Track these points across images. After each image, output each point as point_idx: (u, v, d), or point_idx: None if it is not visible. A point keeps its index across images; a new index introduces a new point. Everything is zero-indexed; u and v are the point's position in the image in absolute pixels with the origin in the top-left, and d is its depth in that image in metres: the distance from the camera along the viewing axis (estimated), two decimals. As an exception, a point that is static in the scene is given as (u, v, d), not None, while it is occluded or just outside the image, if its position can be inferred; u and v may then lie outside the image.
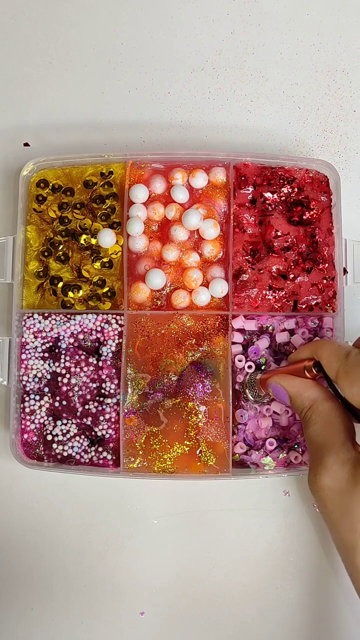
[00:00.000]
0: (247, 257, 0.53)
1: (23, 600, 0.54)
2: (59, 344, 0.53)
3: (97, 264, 0.54)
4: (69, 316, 0.53)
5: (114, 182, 0.55)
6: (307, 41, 0.59)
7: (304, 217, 0.54)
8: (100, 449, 0.52)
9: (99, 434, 0.52)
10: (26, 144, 0.59)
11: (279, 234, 0.53)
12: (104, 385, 0.52)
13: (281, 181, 0.54)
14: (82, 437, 0.53)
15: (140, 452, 0.52)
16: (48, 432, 0.52)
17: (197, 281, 0.53)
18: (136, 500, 0.54)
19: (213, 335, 0.53)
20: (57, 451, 0.52)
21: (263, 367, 0.52)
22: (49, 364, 0.53)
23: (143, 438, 0.52)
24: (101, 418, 0.52)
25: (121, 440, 0.51)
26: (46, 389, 0.53)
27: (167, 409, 0.52)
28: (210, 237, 0.53)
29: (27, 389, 0.53)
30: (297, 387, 0.46)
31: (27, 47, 0.60)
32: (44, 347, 0.53)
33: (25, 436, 0.53)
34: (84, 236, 0.54)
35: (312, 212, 0.53)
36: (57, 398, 0.53)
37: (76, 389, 0.52)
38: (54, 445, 0.52)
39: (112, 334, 0.53)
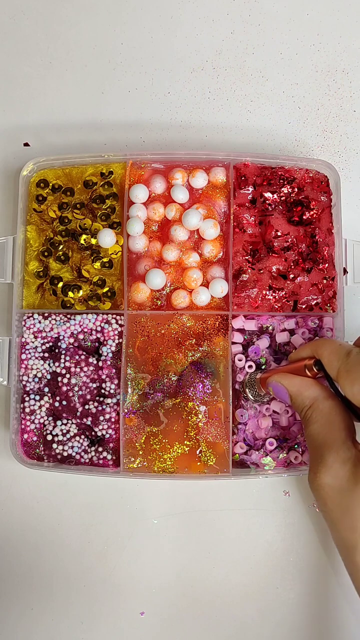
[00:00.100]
0: (247, 257, 0.53)
1: (23, 600, 0.54)
2: (59, 344, 0.53)
3: (97, 264, 0.54)
4: (69, 316, 0.53)
5: (114, 182, 0.55)
6: (307, 41, 0.59)
7: (304, 217, 0.54)
8: (100, 449, 0.52)
9: (99, 434, 0.52)
10: (26, 144, 0.59)
11: (279, 234, 0.53)
12: (104, 385, 0.52)
13: (281, 181, 0.54)
14: (82, 437, 0.53)
15: (140, 452, 0.52)
16: (48, 432, 0.52)
17: (197, 281, 0.53)
18: (136, 500, 0.54)
19: (213, 335, 0.53)
20: (57, 451, 0.52)
21: (263, 367, 0.52)
22: (49, 364, 0.53)
23: (143, 438, 0.52)
24: (101, 418, 0.52)
25: (121, 440, 0.51)
26: (46, 389, 0.53)
27: (167, 409, 0.52)
28: (210, 237, 0.53)
29: (27, 389, 0.53)
30: (297, 385, 0.46)
31: (27, 47, 0.60)
32: (44, 347, 0.53)
33: (25, 436, 0.53)
34: (84, 236, 0.54)
35: (312, 212, 0.53)
36: (57, 398, 0.53)
37: (76, 389, 0.52)
38: (54, 445, 0.52)
39: (112, 334, 0.53)
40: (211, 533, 0.54)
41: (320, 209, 0.53)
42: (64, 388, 0.52)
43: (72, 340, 0.53)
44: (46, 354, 0.53)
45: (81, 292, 0.54)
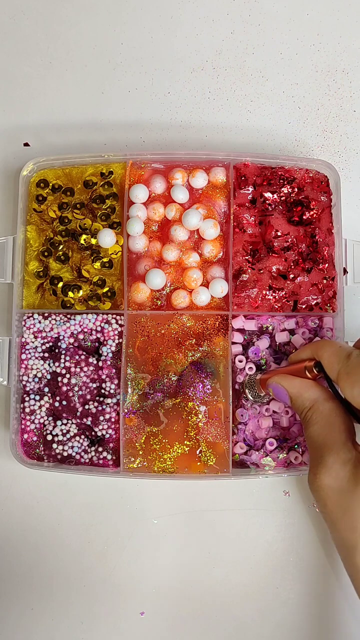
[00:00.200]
0: (247, 257, 0.53)
1: (23, 600, 0.54)
2: (59, 344, 0.53)
3: (97, 264, 0.54)
4: (69, 316, 0.53)
5: (114, 182, 0.55)
6: (307, 41, 0.59)
7: (304, 217, 0.54)
8: (100, 449, 0.52)
9: (99, 434, 0.52)
10: (26, 144, 0.59)
11: (279, 234, 0.53)
12: (104, 385, 0.52)
13: (281, 181, 0.54)
14: (82, 437, 0.53)
15: (140, 452, 0.52)
16: (48, 432, 0.52)
17: (197, 281, 0.53)
18: (136, 500, 0.54)
19: (213, 335, 0.53)
20: (57, 451, 0.52)
21: (263, 367, 0.52)
22: (49, 364, 0.53)
23: (143, 438, 0.52)
24: (101, 418, 0.52)
25: (121, 440, 0.51)
26: (46, 389, 0.53)
27: (167, 409, 0.52)
28: (210, 237, 0.53)
29: (27, 389, 0.53)
30: (297, 387, 0.46)
31: (27, 47, 0.60)
32: (44, 347, 0.53)
33: (25, 436, 0.53)
34: (84, 236, 0.54)
35: (312, 212, 0.53)
36: (57, 398, 0.53)
37: (76, 389, 0.52)
38: (54, 445, 0.52)
39: (112, 334, 0.53)
40: (211, 533, 0.54)
41: (320, 209, 0.53)
42: (64, 388, 0.52)
43: (72, 340, 0.53)
44: (46, 354, 0.53)
45: (81, 292, 0.54)
